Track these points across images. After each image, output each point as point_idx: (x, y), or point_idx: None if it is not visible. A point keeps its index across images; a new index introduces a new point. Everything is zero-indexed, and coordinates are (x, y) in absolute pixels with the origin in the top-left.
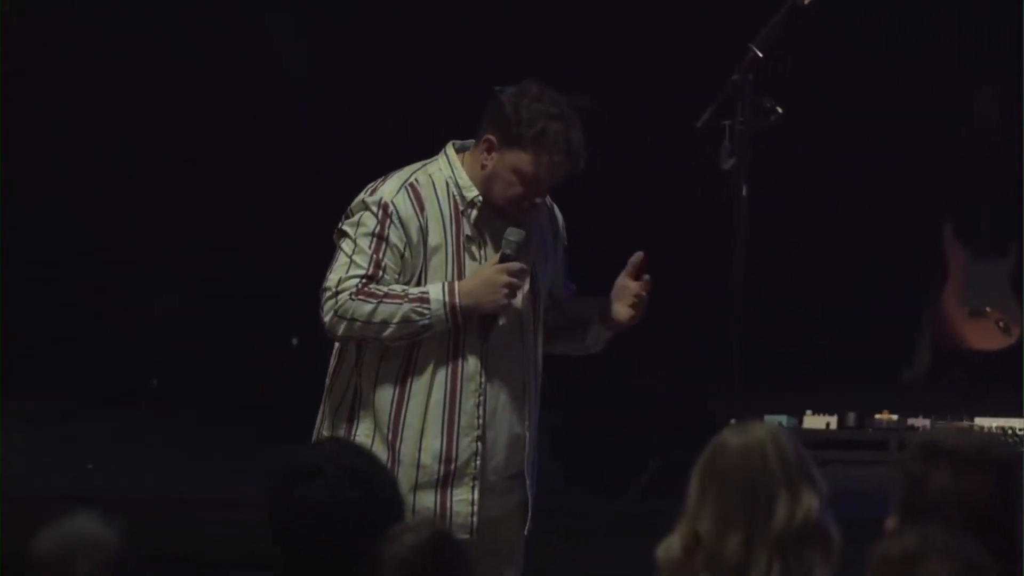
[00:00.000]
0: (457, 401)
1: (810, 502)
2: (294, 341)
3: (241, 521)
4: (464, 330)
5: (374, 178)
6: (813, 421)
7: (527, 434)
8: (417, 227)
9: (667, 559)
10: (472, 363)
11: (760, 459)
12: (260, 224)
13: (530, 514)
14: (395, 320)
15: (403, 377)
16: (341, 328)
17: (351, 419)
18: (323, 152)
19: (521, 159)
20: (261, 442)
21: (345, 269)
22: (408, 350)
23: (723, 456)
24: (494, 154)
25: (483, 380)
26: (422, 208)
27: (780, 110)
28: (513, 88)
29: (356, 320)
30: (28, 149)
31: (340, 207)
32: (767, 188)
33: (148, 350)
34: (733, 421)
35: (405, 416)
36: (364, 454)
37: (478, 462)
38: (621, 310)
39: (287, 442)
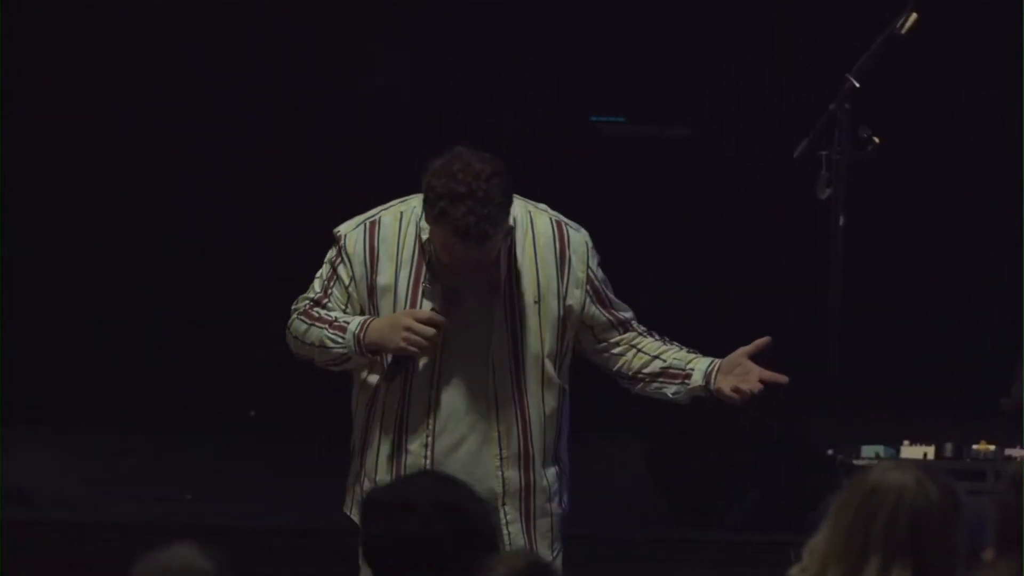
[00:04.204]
0: (405, 416)
1: None
2: None
3: (330, 548)
4: (414, 369)
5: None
6: (911, 451)
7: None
8: (362, 264)
9: None
10: (422, 395)
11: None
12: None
13: (556, 533)
14: (317, 344)
15: (368, 406)
16: (290, 343)
17: (353, 453)
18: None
19: (433, 233)
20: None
21: (308, 291)
22: (371, 387)
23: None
24: None
25: (434, 416)
26: (372, 248)
27: (877, 140)
28: (443, 157)
29: (296, 338)
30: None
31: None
32: (864, 217)
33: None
34: (833, 453)
35: (367, 435)
36: (456, 486)
37: (427, 464)
38: (726, 386)
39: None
